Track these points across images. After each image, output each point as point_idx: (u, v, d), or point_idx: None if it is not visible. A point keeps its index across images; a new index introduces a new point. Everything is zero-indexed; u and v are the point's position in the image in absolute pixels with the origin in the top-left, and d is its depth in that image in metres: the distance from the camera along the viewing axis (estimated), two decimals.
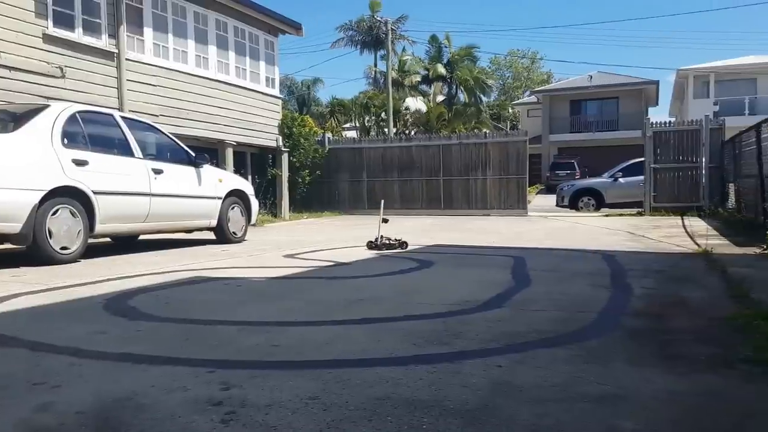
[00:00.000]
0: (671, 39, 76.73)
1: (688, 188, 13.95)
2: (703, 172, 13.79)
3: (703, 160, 13.80)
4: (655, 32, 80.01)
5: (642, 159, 14.53)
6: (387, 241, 7.20)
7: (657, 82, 33.88)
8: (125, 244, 7.88)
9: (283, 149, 14.70)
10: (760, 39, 55.71)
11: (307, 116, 19.38)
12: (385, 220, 7.74)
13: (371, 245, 7.18)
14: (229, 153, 12.90)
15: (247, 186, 9.01)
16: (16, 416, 1.94)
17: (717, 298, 3.98)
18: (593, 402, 2.08)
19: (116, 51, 10.26)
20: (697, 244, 7.19)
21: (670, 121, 15.28)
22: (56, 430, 1.84)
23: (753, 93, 29.66)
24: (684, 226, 10.19)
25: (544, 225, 11.57)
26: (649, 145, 14.12)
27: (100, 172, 6.33)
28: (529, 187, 17.59)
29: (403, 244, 7.17)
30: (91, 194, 6.17)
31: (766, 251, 6.15)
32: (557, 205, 17.25)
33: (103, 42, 10.11)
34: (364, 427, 1.85)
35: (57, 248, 5.88)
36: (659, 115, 50.10)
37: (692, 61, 34.46)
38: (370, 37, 36.37)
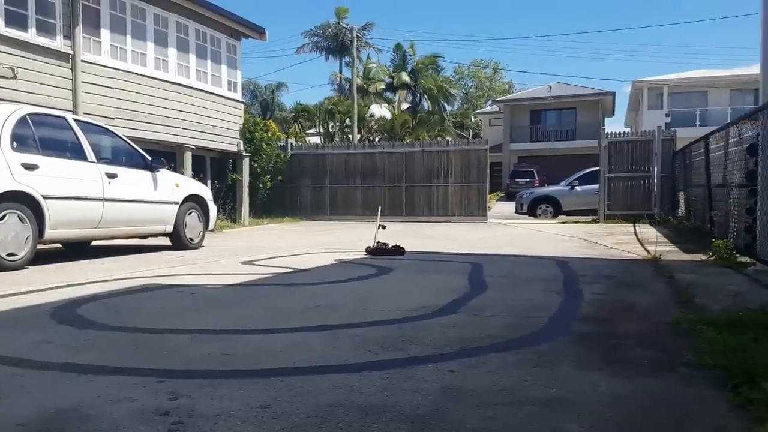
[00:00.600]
0: (628, 52, 78.85)
1: (641, 197, 14.36)
2: (655, 181, 14.22)
3: (655, 169, 14.23)
4: (613, 45, 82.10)
5: (598, 168, 14.89)
6: (384, 247, 7.26)
7: (613, 94, 34.73)
8: (77, 250, 7.68)
9: (244, 154, 14.57)
10: (712, 53, 58.02)
11: (270, 121, 19.23)
12: (382, 227, 7.74)
13: (369, 250, 7.25)
14: (188, 157, 12.71)
15: (205, 191, 8.89)
16: None
17: (663, 304, 4.09)
18: (540, 405, 2.12)
19: (71, 52, 10.02)
20: (647, 251, 7.38)
21: (624, 132, 15.72)
22: None
23: (704, 105, 30.66)
24: (635, 234, 10.47)
25: (503, 231, 11.72)
26: (604, 154, 14.50)
27: (51, 177, 6.17)
28: (489, 194, 17.82)
29: (400, 251, 7.19)
30: (40, 199, 6.00)
31: (711, 258, 6.34)
32: (516, 212, 17.54)
33: (58, 43, 9.87)
34: None
35: (4, 255, 5.70)
36: (615, 125, 51.67)
37: (647, 74, 35.48)
38: (336, 44, 36.31)
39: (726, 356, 2.52)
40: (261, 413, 2.02)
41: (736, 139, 7.12)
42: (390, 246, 7.28)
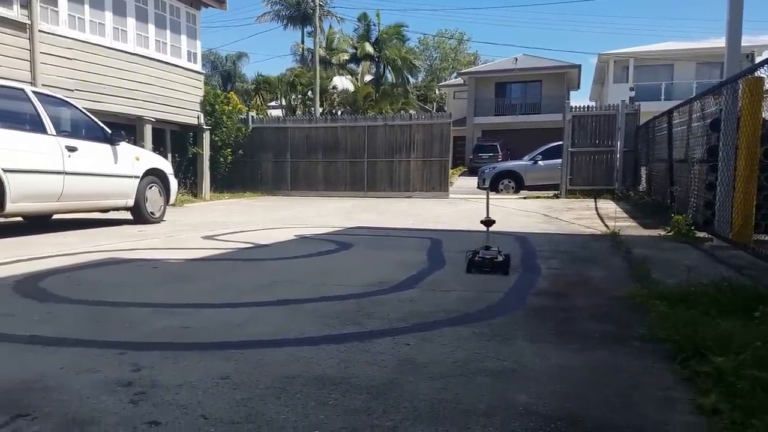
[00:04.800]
0: (595, 23, 79.06)
1: (603, 171, 14.53)
2: (618, 156, 14.37)
3: (618, 144, 14.35)
4: (580, 16, 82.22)
5: (561, 142, 14.97)
6: (488, 259, 4.43)
7: (579, 66, 34.56)
8: (38, 223, 7.55)
9: (204, 127, 14.33)
10: (679, 26, 58.24)
11: (232, 93, 18.91)
12: (489, 222, 4.67)
13: (472, 264, 4.43)
14: (148, 130, 12.46)
15: (165, 165, 8.78)
16: None
17: (619, 278, 4.19)
18: (491, 377, 2.21)
19: (29, 22, 9.68)
20: (606, 226, 7.53)
21: (588, 106, 15.77)
22: None
23: (670, 79, 30.63)
24: (596, 209, 10.67)
25: (464, 207, 11.85)
26: (568, 128, 14.57)
27: (11, 150, 6.07)
28: (452, 169, 17.85)
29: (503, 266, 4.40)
30: (1, 172, 5.91)
31: (670, 233, 6.43)
32: (478, 187, 17.58)
33: (15, 12, 9.52)
34: (273, 404, 1.92)
35: None
36: (581, 98, 51.55)
37: (614, 46, 35.65)
38: (297, 12, 35.61)
39: (676, 330, 2.58)
40: (221, 384, 2.08)
41: (699, 114, 7.08)
42: (496, 257, 4.43)
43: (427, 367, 2.31)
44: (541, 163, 16.56)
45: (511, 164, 18.36)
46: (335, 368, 2.27)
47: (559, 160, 14.85)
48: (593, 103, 29.64)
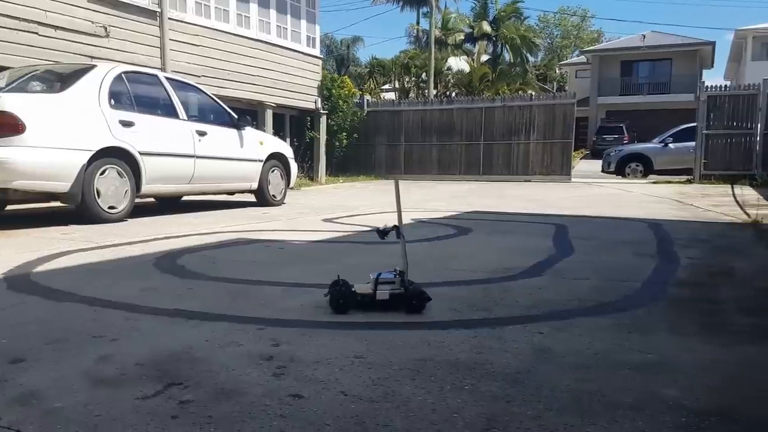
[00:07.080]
0: None
1: (741, 156, 13.50)
2: (758, 139, 13.30)
3: (759, 126, 13.30)
4: None
5: (694, 124, 14.08)
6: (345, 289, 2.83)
7: (713, 43, 32.42)
8: (169, 204, 8.08)
9: (321, 111, 14.69)
10: None
11: (346, 77, 19.28)
12: (386, 232, 3.24)
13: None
14: (269, 115, 12.98)
15: (286, 149, 9.07)
16: (80, 367, 2.05)
17: (765, 269, 3.90)
18: (635, 370, 2.08)
19: (159, 10, 10.33)
20: (746, 214, 7.00)
21: (725, 85, 14.70)
22: (118, 380, 1.94)
23: None
24: (734, 195, 9.95)
25: (589, 192, 11.39)
26: (703, 109, 13.64)
27: (146, 133, 6.47)
28: (573, 152, 17.24)
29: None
30: (137, 155, 6.32)
31: None
32: (603, 170, 16.94)
33: (146, 1, 10.18)
34: (408, 386, 1.90)
35: (105, 207, 6.06)
36: (714, 78, 47.70)
37: (752, 21, 32.80)
38: None
39: None
40: (356, 362, 2.10)
41: None
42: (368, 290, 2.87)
43: (564, 357, 2.20)
44: (671, 146, 15.59)
45: (639, 147, 17.45)
46: (467, 353, 2.22)
47: (692, 143, 13.94)
48: (728, 83, 27.46)
